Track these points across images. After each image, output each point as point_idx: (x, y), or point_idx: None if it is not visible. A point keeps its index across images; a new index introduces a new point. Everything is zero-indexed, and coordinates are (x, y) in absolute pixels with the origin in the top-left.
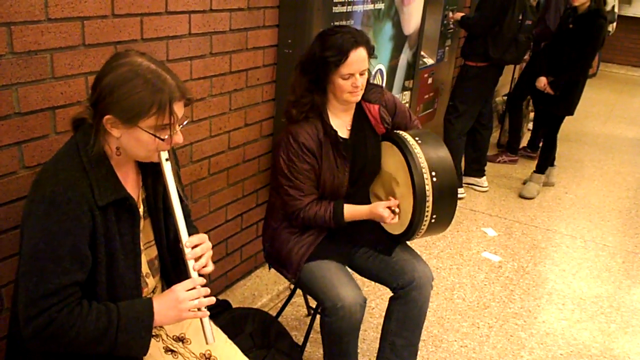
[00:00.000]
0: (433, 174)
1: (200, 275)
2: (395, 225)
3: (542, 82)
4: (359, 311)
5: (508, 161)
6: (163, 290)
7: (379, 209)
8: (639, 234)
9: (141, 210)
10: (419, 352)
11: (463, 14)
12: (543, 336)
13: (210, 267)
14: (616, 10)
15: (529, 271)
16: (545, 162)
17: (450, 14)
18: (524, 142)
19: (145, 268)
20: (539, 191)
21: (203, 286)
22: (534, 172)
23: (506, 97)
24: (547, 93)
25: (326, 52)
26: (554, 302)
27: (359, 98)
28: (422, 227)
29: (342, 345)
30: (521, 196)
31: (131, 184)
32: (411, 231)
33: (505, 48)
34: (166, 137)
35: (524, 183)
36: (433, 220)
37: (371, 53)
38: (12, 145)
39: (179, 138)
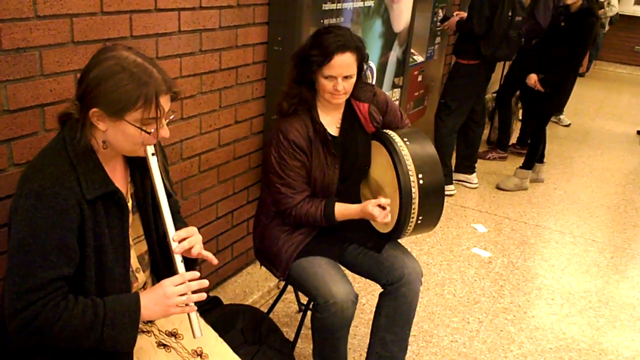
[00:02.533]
0: (420, 176)
1: (196, 265)
2: (382, 225)
3: (532, 79)
4: (350, 307)
5: (498, 158)
6: (154, 285)
7: (369, 207)
8: (627, 230)
9: (130, 204)
10: (409, 347)
11: (457, 20)
12: (532, 331)
13: (208, 255)
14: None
15: (518, 266)
16: (532, 158)
17: (445, 23)
18: (514, 139)
19: (135, 263)
20: (518, 186)
21: (199, 278)
22: (519, 167)
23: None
24: (537, 90)
25: (312, 50)
26: (543, 297)
27: (340, 101)
28: (409, 227)
29: (333, 341)
30: (497, 187)
31: (119, 179)
32: (397, 231)
33: (497, 45)
34: (152, 130)
35: None
36: (419, 222)
37: (363, 59)
38: (1, 143)
39: (165, 132)
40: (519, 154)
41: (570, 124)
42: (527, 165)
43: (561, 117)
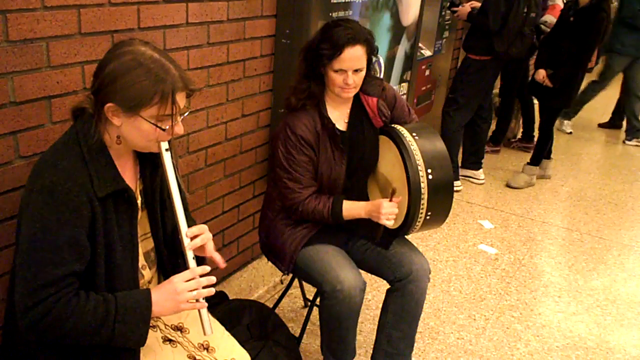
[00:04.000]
0: (429, 171)
1: (205, 262)
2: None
3: (541, 74)
4: (358, 295)
5: (490, 151)
6: (159, 282)
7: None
8: (635, 227)
9: (139, 201)
10: (415, 344)
11: (469, 10)
12: (539, 328)
13: (217, 258)
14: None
15: (525, 263)
16: (540, 154)
17: (457, 10)
18: (519, 134)
19: (141, 260)
20: (528, 183)
21: (206, 275)
22: (527, 163)
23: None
24: (546, 85)
25: (322, 44)
26: (550, 294)
27: (349, 95)
28: (417, 223)
29: (340, 331)
30: (508, 185)
31: (129, 175)
32: (406, 227)
33: (511, 42)
34: (167, 127)
35: None
36: (428, 217)
37: (372, 52)
38: (8, 135)
39: (179, 129)
40: (525, 149)
41: (571, 132)
42: (535, 162)
43: (565, 122)
